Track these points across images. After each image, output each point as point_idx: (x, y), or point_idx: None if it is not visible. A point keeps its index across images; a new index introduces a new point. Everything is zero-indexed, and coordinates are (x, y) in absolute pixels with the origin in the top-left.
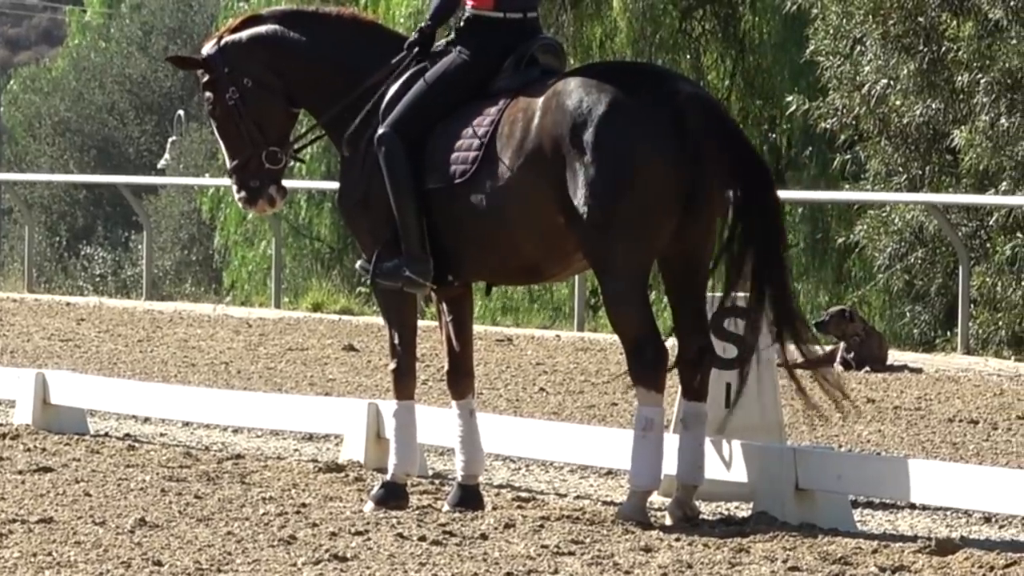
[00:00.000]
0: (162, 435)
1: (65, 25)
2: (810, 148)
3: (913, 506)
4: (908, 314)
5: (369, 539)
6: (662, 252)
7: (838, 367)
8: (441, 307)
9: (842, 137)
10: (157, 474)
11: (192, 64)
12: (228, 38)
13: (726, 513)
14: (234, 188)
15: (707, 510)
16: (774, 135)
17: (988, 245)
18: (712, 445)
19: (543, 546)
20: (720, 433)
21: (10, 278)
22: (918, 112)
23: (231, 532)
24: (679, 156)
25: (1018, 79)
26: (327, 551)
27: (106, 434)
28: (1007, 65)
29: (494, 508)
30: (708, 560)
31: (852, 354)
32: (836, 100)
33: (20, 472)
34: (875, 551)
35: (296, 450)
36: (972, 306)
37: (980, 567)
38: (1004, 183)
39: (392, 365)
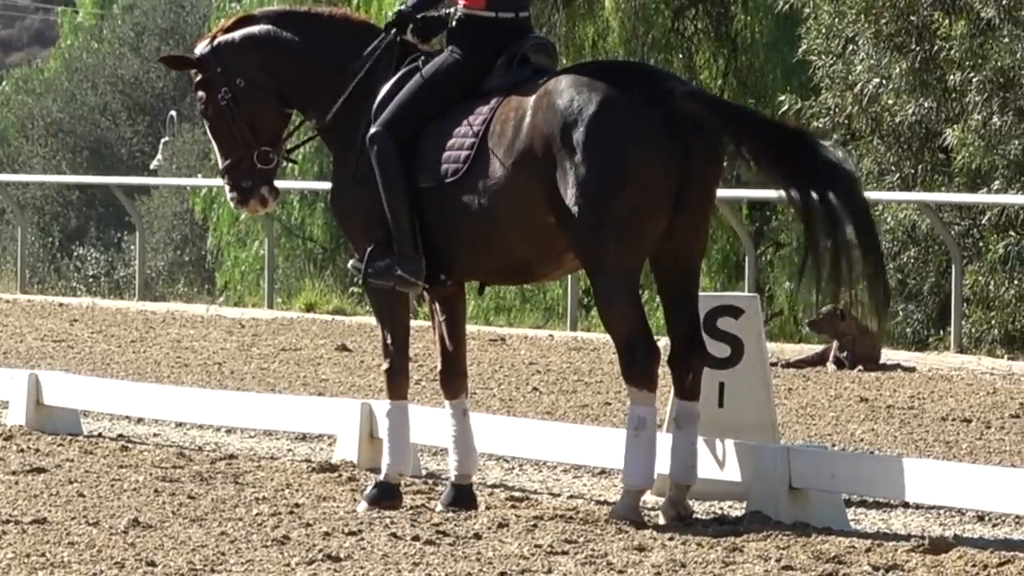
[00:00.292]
0: (155, 436)
1: (57, 26)
2: None
3: (907, 505)
4: (901, 313)
5: (363, 539)
6: (654, 251)
7: (831, 366)
8: (434, 307)
9: (835, 136)
10: (150, 475)
11: (185, 64)
12: (221, 38)
13: (720, 512)
14: (226, 188)
15: (700, 509)
16: None
17: (981, 244)
18: (705, 444)
19: (537, 546)
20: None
21: (3, 279)
22: (910, 111)
23: (225, 532)
24: (670, 155)
25: (1010, 78)
26: (321, 551)
27: (99, 435)
28: (999, 64)
29: (487, 508)
30: (702, 559)
31: (845, 353)
32: (828, 99)
33: (13, 473)
34: (869, 550)
35: (289, 450)
36: (965, 305)
37: (974, 566)
38: (996, 182)
39: (385, 365)
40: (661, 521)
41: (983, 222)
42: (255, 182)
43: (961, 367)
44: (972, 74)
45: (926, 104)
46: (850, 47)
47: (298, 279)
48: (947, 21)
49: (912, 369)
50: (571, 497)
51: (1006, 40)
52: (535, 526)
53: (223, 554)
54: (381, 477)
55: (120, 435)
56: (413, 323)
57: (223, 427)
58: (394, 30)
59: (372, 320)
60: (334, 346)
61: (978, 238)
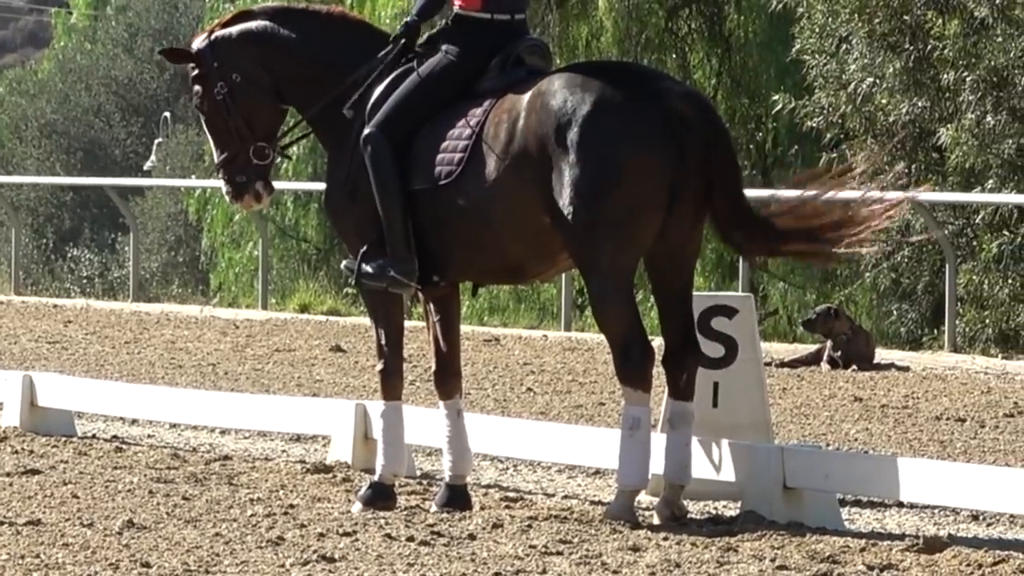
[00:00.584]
0: (150, 437)
1: (51, 27)
2: (796, 147)
3: (901, 504)
4: (895, 312)
5: (357, 540)
6: (648, 251)
7: (825, 366)
8: (428, 307)
9: (828, 136)
10: (145, 476)
11: (183, 57)
12: (218, 33)
13: (714, 512)
14: (222, 182)
15: (695, 509)
16: (760, 134)
17: (975, 243)
18: (700, 444)
19: (531, 546)
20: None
21: None
22: (904, 110)
23: (219, 533)
24: (664, 155)
25: (1004, 77)
26: (315, 552)
27: (94, 436)
28: (993, 63)
29: (482, 508)
30: (696, 559)
31: (839, 352)
32: (822, 99)
33: (8, 474)
34: (863, 550)
35: (284, 451)
36: (959, 304)
37: (968, 565)
38: (990, 181)
39: (379, 366)
40: (655, 521)
41: (977, 221)
42: (250, 177)
43: (955, 366)
44: (966, 73)
45: (920, 103)
46: (844, 46)
47: (292, 280)
48: (940, 20)
49: (906, 368)
50: (566, 497)
51: (999, 39)
52: (530, 526)
53: (218, 555)
54: (376, 478)
55: (114, 436)
56: (407, 323)
57: (217, 428)
58: (403, 41)
59: (366, 321)
60: (328, 347)
61: (972, 237)
